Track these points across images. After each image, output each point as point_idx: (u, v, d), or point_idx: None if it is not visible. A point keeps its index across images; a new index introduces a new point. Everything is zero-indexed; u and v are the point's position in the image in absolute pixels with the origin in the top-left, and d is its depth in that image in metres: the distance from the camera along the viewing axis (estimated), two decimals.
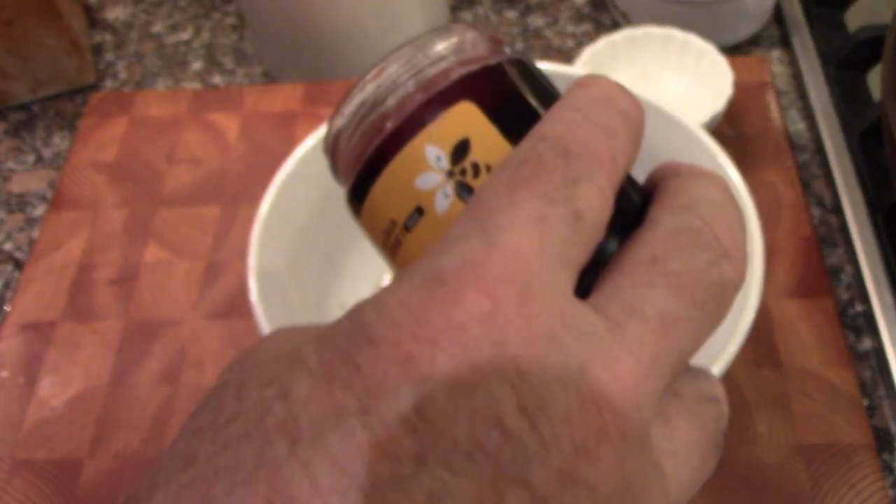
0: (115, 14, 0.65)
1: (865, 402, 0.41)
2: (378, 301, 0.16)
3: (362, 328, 0.16)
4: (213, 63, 0.61)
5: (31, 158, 0.56)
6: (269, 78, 0.60)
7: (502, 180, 0.17)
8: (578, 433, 0.15)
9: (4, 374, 0.45)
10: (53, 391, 0.44)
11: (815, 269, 0.45)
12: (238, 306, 0.46)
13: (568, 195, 0.17)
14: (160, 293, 0.47)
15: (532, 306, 0.16)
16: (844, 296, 0.45)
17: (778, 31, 0.58)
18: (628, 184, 0.20)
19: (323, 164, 0.38)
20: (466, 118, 0.20)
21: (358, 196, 0.21)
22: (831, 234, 0.47)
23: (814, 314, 0.43)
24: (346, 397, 0.15)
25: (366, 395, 0.15)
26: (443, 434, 0.14)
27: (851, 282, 0.45)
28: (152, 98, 0.57)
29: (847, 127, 0.50)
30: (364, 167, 0.21)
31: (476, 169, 0.20)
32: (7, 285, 0.49)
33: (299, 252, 0.38)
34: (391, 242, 0.21)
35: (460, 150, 0.20)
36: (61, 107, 0.59)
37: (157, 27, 0.64)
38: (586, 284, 0.18)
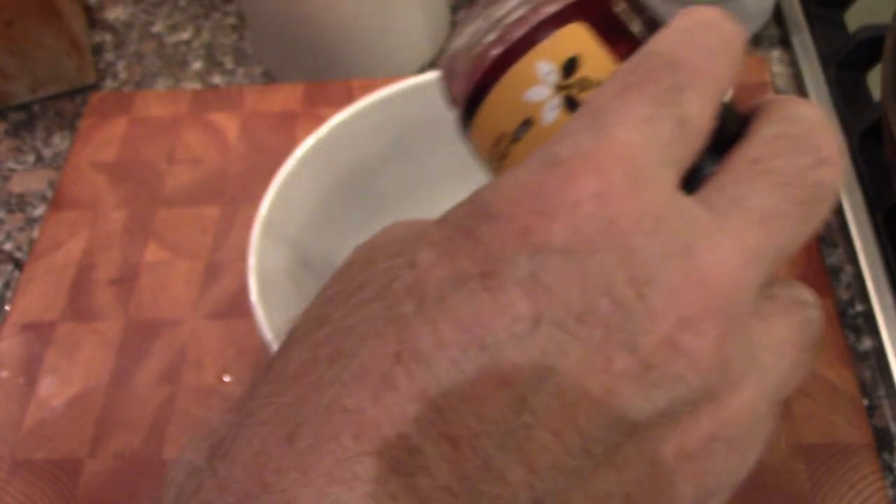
0: (115, 14, 0.65)
1: (865, 402, 0.41)
2: (496, 183, 0.17)
3: (482, 206, 0.17)
4: (213, 63, 0.61)
5: (31, 158, 0.56)
6: (269, 78, 0.60)
7: (613, 85, 0.18)
8: (683, 307, 0.16)
9: (4, 374, 0.45)
10: (53, 391, 0.44)
11: (815, 269, 0.45)
12: (238, 306, 0.46)
13: (675, 99, 0.18)
14: (160, 293, 0.47)
15: (641, 189, 0.16)
16: (844, 296, 0.45)
17: (778, 31, 0.58)
18: (727, 104, 0.21)
19: (323, 164, 0.38)
20: (577, 37, 0.21)
21: (469, 113, 0.22)
22: (831, 234, 0.47)
23: None
24: (467, 264, 0.16)
25: (486, 262, 0.16)
26: (556, 298, 0.16)
27: (851, 282, 0.45)
28: (152, 98, 0.57)
29: (847, 127, 0.50)
30: (477, 84, 0.22)
31: (584, 84, 0.21)
32: (7, 285, 0.49)
33: (299, 252, 0.38)
34: (498, 155, 0.22)
35: (570, 66, 0.21)
36: (61, 107, 0.59)
37: (157, 27, 0.64)
38: (688, 190, 0.18)
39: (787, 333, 0.19)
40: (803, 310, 0.19)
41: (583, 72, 0.21)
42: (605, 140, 0.17)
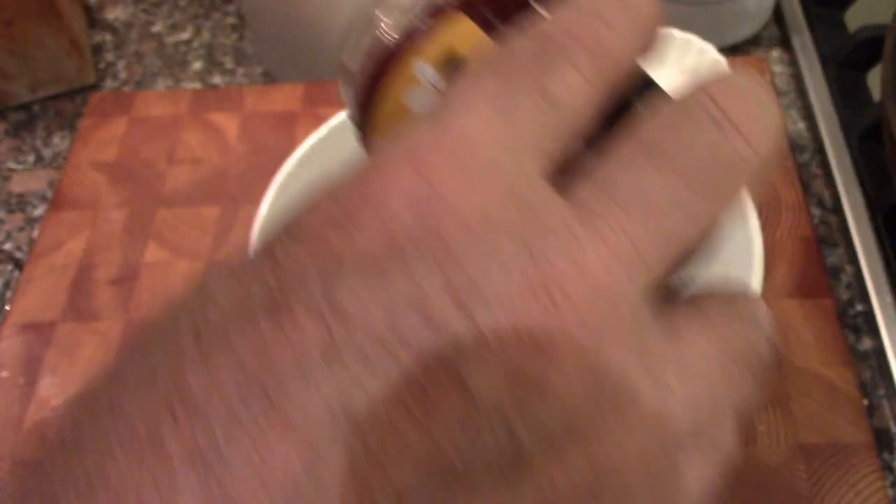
0: (115, 14, 0.65)
1: (865, 402, 0.41)
2: (314, 197, 0.15)
3: (290, 224, 0.14)
4: (213, 63, 0.61)
5: (31, 158, 0.56)
6: (269, 78, 0.60)
7: (468, 69, 0.15)
8: (526, 323, 0.13)
9: (4, 374, 0.45)
10: (53, 391, 0.44)
11: (815, 269, 0.45)
12: None
13: (538, 76, 0.15)
14: (160, 293, 0.47)
15: (474, 185, 0.13)
16: (844, 296, 0.45)
17: (778, 31, 0.58)
18: (639, 85, 0.18)
19: (323, 164, 0.38)
20: (459, 31, 0.19)
21: (361, 125, 0.20)
22: (831, 234, 0.47)
23: (814, 314, 0.43)
24: (256, 291, 0.13)
25: (276, 287, 0.13)
26: (353, 321, 0.13)
27: (851, 282, 0.45)
28: (152, 98, 0.57)
29: (847, 127, 0.50)
30: (362, 92, 0.20)
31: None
32: (7, 285, 0.49)
33: None
34: None
35: (448, 62, 0.19)
36: (61, 107, 0.59)
37: (157, 27, 0.64)
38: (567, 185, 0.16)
39: (712, 352, 0.15)
40: (740, 328, 0.16)
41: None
42: (439, 131, 0.14)
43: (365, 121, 0.20)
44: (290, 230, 0.14)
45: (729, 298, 0.17)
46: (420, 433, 0.12)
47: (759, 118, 0.15)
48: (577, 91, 0.15)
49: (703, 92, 0.16)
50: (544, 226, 0.14)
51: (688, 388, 0.14)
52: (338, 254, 0.13)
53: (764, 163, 0.16)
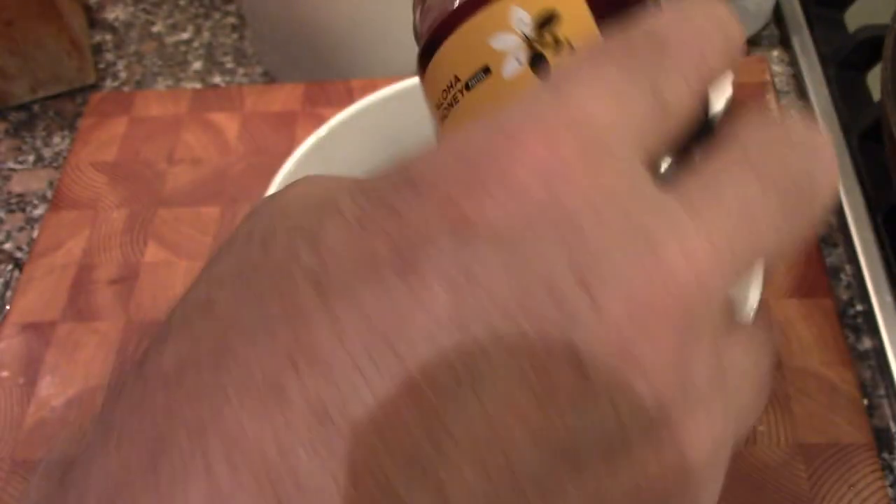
0: (115, 14, 0.65)
1: (865, 402, 0.41)
2: (430, 151, 0.15)
3: (407, 175, 0.14)
4: (213, 63, 0.61)
5: (31, 158, 0.56)
6: (269, 78, 0.60)
7: (588, 53, 0.16)
8: (639, 308, 0.13)
9: (4, 374, 0.45)
10: (53, 391, 0.44)
11: (815, 269, 0.45)
12: None
13: (655, 77, 0.15)
14: (160, 293, 0.47)
15: (599, 165, 0.14)
16: (844, 296, 0.45)
17: (778, 31, 0.58)
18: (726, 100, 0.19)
19: (322, 164, 0.38)
20: None
21: (429, 51, 0.20)
22: (831, 234, 0.47)
23: (814, 314, 0.43)
24: (381, 246, 0.13)
25: (404, 244, 0.13)
26: (484, 295, 0.13)
27: (851, 282, 0.45)
28: (152, 98, 0.57)
29: (847, 127, 0.50)
30: (445, 20, 0.20)
31: (558, 43, 0.19)
32: (7, 285, 0.49)
33: None
34: (447, 101, 0.20)
35: (547, 19, 0.19)
36: (61, 107, 0.59)
37: (157, 27, 0.64)
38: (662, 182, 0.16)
39: (751, 362, 0.16)
40: (762, 345, 0.17)
41: (560, 30, 0.19)
42: (564, 109, 0.14)
43: (436, 47, 0.20)
44: (410, 181, 0.14)
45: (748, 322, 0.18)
46: (538, 409, 0.13)
47: (829, 144, 0.17)
48: (682, 98, 0.16)
49: (784, 125, 0.17)
50: (659, 216, 0.14)
51: (742, 402, 0.16)
52: (471, 220, 0.13)
53: (830, 201, 0.17)
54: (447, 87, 0.20)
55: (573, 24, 0.19)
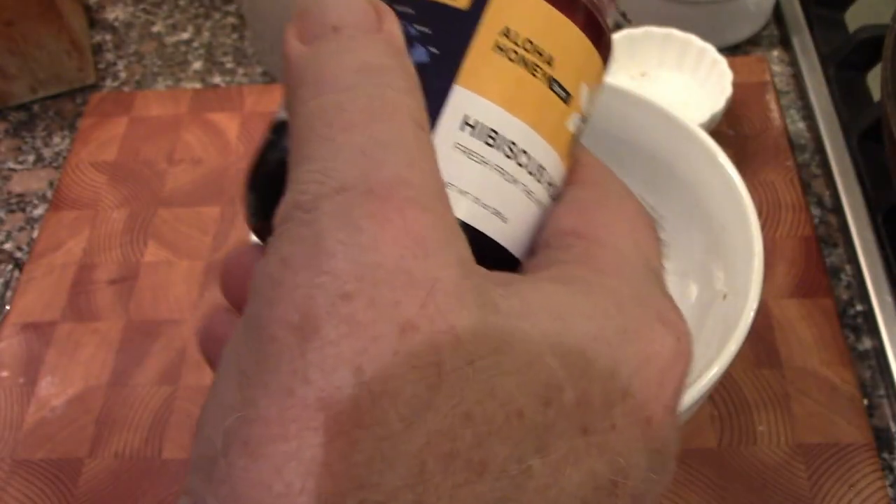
0: (115, 14, 0.65)
1: (865, 402, 0.41)
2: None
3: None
4: (213, 63, 0.61)
5: (31, 158, 0.56)
6: (269, 78, 0.60)
7: None
8: None
9: (4, 374, 0.45)
10: (53, 391, 0.44)
11: (815, 269, 0.45)
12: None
13: None
14: (160, 293, 0.47)
15: None
16: (844, 296, 0.45)
17: (778, 31, 0.58)
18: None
19: None
20: None
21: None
22: (831, 234, 0.47)
23: (814, 314, 0.43)
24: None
25: None
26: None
27: (851, 282, 0.45)
28: (152, 98, 0.57)
29: (847, 127, 0.50)
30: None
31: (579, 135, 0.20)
32: (7, 285, 0.49)
33: None
34: (501, 43, 0.19)
35: (585, 119, 0.20)
36: (61, 107, 0.59)
37: (157, 27, 0.64)
38: None
39: None
40: None
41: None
42: None
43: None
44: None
45: None
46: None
47: None
48: None
49: None
50: None
51: None
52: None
53: None
54: (523, 41, 0.19)
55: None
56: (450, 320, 0.14)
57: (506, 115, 0.19)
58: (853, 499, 0.38)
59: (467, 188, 0.18)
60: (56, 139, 0.57)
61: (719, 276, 0.35)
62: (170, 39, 0.63)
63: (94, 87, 0.60)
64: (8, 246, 0.52)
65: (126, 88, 0.60)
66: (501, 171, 0.19)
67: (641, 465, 0.16)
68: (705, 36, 0.51)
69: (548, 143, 0.19)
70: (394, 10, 0.18)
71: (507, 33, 0.19)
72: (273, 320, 0.14)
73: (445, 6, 0.19)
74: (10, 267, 0.50)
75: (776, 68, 0.56)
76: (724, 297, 0.34)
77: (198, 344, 0.21)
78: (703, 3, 0.54)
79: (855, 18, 0.56)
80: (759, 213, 0.34)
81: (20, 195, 0.54)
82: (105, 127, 0.56)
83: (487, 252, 0.18)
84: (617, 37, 0.51)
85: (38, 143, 0.57)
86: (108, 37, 0.63)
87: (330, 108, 0.16)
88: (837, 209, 0.48)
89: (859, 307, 0.44)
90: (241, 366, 0.15)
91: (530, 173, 0.19)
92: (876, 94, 0.51)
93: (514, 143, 0.19)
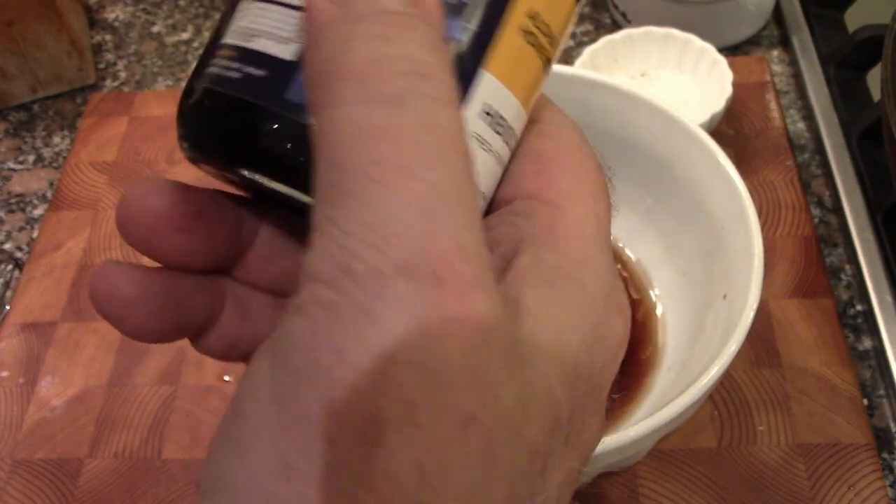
0: (115, 14, 0.65)
1: (865, 402, 0.41)
2: None
3: None
4: None
5: (31, 158, 0.56)
6: None
7: None
8: None
9: (4, 374, 0.45)
10: (53, 391, 0.44)
11: (815, 269, 0.45)
12: None
13: None
14: None
15: None
16: (844, 296, 0.45)
17: (778, 31, 0.58)
18: None
19: None
20: None
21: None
22: (831, 234, 0.47)
23: (814, 314, 0.43)
24: None
25: None
26: None
27: (851, 282, 0.45)
28: (152, 98, 0.57)
29: (847, 127, 0.50)
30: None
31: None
32: (7, 285, 0.49)
33: None
34: (526, 27, 0.18)
35: None
36: (61, 107, 0.59)
37: (157, 27, 0.64)
38: None
39: None
40: None
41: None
42: None
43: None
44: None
45: None
46: None
47: None
48: None
49: None
50: None
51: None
52: None
53: None
54: (542, 24, 0.18)
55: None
56: (499, 397, 0.14)
57: (513, 100, 0.18)
58: (853, 499, 0.38)
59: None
60: (56, 139, 0.57)
61: (719, 275, 0.35)
62: (170, 39, 0.63)
63: (94, 87, 0.60)
64: (8, 246, 0.52)
65: (126, 88, 0.60)
66: (498, 156, 0.18)
67: (595, 444, 0.17)
68: (705, 36, 0.51)
69: (527, 111, 0.19)
70: None
71: (533, 16, 0.17)
72: (330, 422, 0.13)
73: None
74: (10, 267, 0.50)
75: (776, 68, 0.56)
76: (724, 296, 0.34)
77: (89, 293, 0.19)
78: (703, 3, 0.54)
79: (855, 18, 0.56)
80: (759, 213, 0.34)
81: (20, 195, 0.54)
82: (105, 127, 0.56)
83: None
84: (617, 37, 0.51)
85: (38, 143, 0.57)
86: (108, 37, 0.63)
87: (379, 131, 0.14)
88: (837, 209, 0.48)
89: (859, 307, 0.44)
90: (283, 455, 0.14)
91: (506, 143, 0.18)
92: (876, 94, 0.51)
93: (512, 127, 0.18)
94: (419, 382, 0.13)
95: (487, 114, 0.17)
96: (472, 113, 0.17)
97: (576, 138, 0.19)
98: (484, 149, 0.17)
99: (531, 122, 0.19)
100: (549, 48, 0.18)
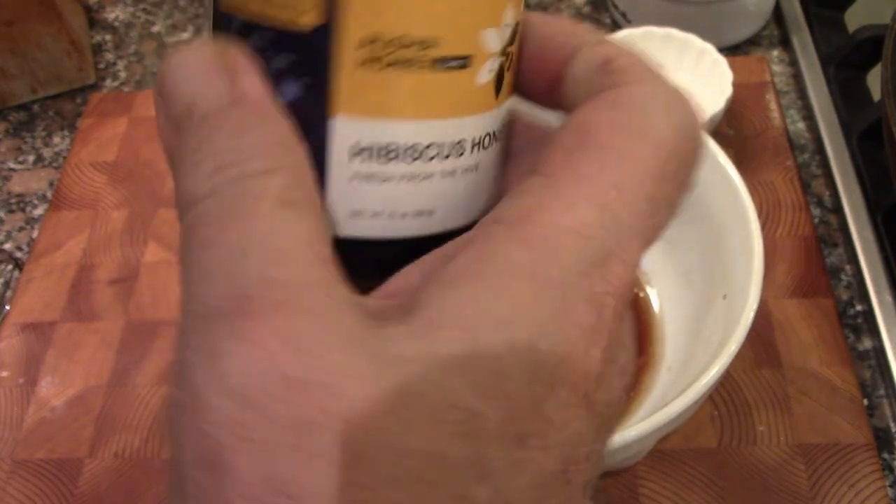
0: (115, 14, 0.65)
1: (865, 402, 0.41)
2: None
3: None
4: None
5: (31, 158, 0.56)
6: None
7: None
8: None
9: (4, 374, 0.45)
10: (53, 391, 0.44)
11: (815, 269, 0.45)
12: None
13: None
14: (160, 293, 0.47)
15: None
16: (844, 296, 0.45)
17: (778, 31, 0.58)
18: None
19: None
20: None
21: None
22: (831, 234, 0.47)
23: (814, 314, 0.43)
24: None
25: None
26: None
27: (851, 282, 0.45)
28: (152, 98, 0.57)
29: (847, 127, 0.50)
30: None
31: (511, 61, 0.18)
32: (7, 285, 0.49)
33: None
34: (394, 58, 0.17)
35: (515, 32, 0.18)
36: (61, 107, 0.59)
37: (157, 27, 0.64)
38: None
39: None
40: None
41: (516, 45, 0.18)
42: None
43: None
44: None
45: None
46: None
47: None
48: None
49: None
50: None
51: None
52: None
53: None
54: (410, 43, 0.17)
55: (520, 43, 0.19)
56: (344, 408, 0.14)
57: (396, 125, 0.17)
58: (853, 499, 0.38)
59: (380, 209, 0.18)
60: (56, 139, 0.57)
61: (719, 275, 0.35)
62: (170, 39, 0.63)
63: (94, 87, 0.60)
64: (8, 246, 0.52)
65: (126, 88, 0.60)
66: (411, 177, 0.18)
67: (590, 440, 0.16)
68: (705, 36, 0.51)
69: (457, 117, 0.18)
70: (253, 42, 0.17)
71: (372, 41, 0.16)
72: (184, 463, 0.14)
73: (296, 32, 0.16)
74: (10, 267, 0.50)
75: (776, 68, 0.56)
76: (724, 296, 0.34)
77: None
78: (703, 3, 0.54)
79: (855, 18, 0.56)
80: (759, 213, 0.34)
81: (20, 195, 0.54)
82: (105, 127, 0.56)
83: (429, 247, 0.18)
84: (617, 37, 0.51)
85: (38, 143, 0.57)
86: (108, 37, 0.63)
87: (194, 224, 0.15)
88: (837, 209, 0.48)
89: (859, 307, 0.44)
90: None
91: (446, 157, 0.18)
92: (876, 94, 0.51)
93: (415, 145, 0.17)
94: (242, 407, 0.14)
95: (361, 150, 0.17)
96: (341, 157, 0.17)
97: (647, 119, 0.17)
98: (375, 181, 0.17)
99: (609, 73, 0.18)
100: (430, 51, 0.17)
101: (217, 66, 0.16)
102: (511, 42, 0.18)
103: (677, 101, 0.18)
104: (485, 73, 0.18)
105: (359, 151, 0.17)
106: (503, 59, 0.18)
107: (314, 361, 0.14)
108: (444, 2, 0.17)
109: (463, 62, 0.17)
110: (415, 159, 0.18)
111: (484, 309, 0.15)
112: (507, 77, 0.19)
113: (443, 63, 0.17)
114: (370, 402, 0.14)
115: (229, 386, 0.14)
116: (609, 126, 0.17)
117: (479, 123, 0.18)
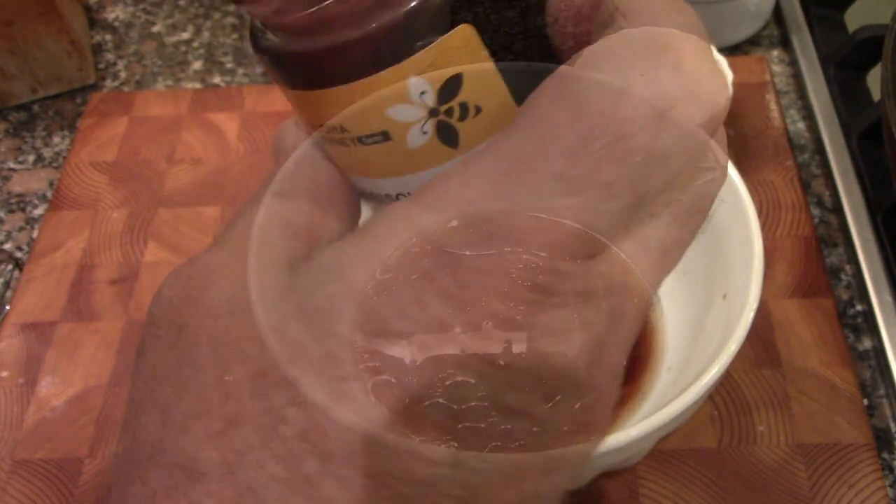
0: (115, 14, 0.65)
1: (865, 402, 0.41)
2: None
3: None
4: (213, 63, 0.61)
5: (31, 158, 0.56)
6: (269, 78, 0.60)
7: None
8: None
9: (4, 374, 0.45)
10: (53, 391, 0.44)
11: (815, 269, 0.45)
12: None
13: None
14: None
15: None
16: (844, 296, 0.45)
17: (778, 31, 0.58)
18: None
19: (322, 164, 0.37)
20: (463, 47, 0.17)
21: (306, 81, 0.19)
22: (831, 234, 0.47)
23: (814, 314, 0.43)
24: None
25: None
26: None
27: (851, 282, 0.45)
28: (152, 98, 0.57)
29: (847, 127, 0.50)
30: (329, 67, 0.18)
31: (464, 110, 0.18)
32: (7, 285, 0.49)
33: None
34: (333, 137, 0.19)
35: (451, 87, 0.17)
36: (61, 107, 0.59)
37: (157, 27, 0.64)
38: None
39: None
40: None
41: (466, 96, 0.18)
42: None
43: (314, 78, 0.18)
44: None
45: None
46: None
47: None
48: None
49: None
50: None
51: None
52: None
53: None
54: (332, 128, 0.19)
55: (479, 86, 0.18)
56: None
57: (359, 180, 0.21)
58: (853, 499, 0.38)
59: None
60: (56, 139, 0.57)
61: (719, 275, 0.35)
62: (170, 39, 0.63)
63: (94, 87, 0.60)
64: (8, 246, 0.52)
65: (126, 88, 0.60)
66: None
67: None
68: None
69: (411, 173, 0.19)
70: None
71: (319, 126, 0.20)
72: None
73: None
74: (10, 267, 0.50)
75: (776, 68, 0.56)
76: (724, 296, 0.34)
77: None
78: (703, 3, 0.54)
79: (855, 18, 0.56)
80: (759, 213, 0.34)
81: (20, 195, 0.54)
82: (105, 127, 0.56)
83: None
84: None
85: (38, 143, 0.57)
86: (108, 37, 0.63)
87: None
88: (837, 209, 0.48)
89: (859, 307, 0.44)
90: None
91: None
92: (876, 94, 0.51)
93: (381, 195, 0.20)
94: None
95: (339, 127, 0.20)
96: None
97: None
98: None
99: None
100: (346, 134, 0.19)
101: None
102: (450, 98, 0.18)
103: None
104: (416, 138, 0.18)
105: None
106: (440, 116, 0.18)
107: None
108: (344, 99, 0.18)
109: (381, 137, 0.18)
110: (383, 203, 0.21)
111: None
112: (468, 125, 0.18)
113: (364, 140, 0.19)
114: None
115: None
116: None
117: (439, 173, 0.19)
